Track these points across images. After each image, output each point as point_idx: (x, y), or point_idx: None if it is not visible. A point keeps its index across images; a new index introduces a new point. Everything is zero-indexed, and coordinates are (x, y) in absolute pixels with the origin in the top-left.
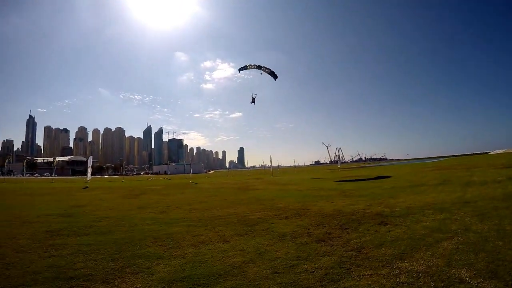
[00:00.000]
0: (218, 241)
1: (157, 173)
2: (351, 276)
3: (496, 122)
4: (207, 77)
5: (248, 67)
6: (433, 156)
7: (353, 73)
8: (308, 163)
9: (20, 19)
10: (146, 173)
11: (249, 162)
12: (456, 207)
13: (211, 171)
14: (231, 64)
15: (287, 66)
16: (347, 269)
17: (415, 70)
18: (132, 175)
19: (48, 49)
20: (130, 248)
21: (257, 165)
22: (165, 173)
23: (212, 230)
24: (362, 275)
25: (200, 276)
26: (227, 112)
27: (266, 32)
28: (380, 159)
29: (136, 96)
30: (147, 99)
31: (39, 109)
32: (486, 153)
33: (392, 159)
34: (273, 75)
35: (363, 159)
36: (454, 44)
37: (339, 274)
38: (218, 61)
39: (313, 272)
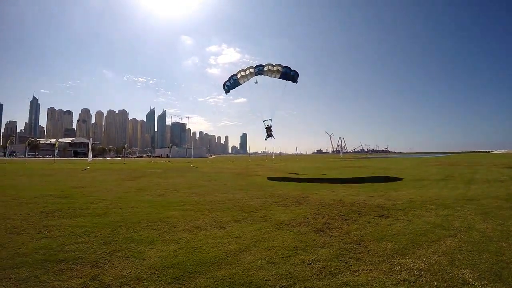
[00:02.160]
0: (214, 227)
1: (159, 156)
2: (350, 270)
3: (499, 122)
4: (212, 62)
5: (266, 71)
6: (435, 151)
7: (360, 63)
8: (309, 152)
9: None
10: (148, 156)
11: (251, 148)
12: (459, 204)
13: (213, 156)
14: (237, 49)
15: (293, 53)
16: (346, 262)
17: (422, 64)
18: (134, 157)
19: (53, 30)
20: (124, 231)
21: (259, 152)
22: (167, 156)
23: (209, 215)
24: (362, 269)
25: (192, 263)
26: (231, 97)
27: (273, 18)
28: (383, 151)
29: (140, 78)
30: (151, 82)
31: (43, 91)
32: (488, 151)
33: (395, 152)
34: (290, 78)
35: (366, 150)
36: (465, 38)
37: (337, 267)
38: (224, 45)
39: (310, 264)
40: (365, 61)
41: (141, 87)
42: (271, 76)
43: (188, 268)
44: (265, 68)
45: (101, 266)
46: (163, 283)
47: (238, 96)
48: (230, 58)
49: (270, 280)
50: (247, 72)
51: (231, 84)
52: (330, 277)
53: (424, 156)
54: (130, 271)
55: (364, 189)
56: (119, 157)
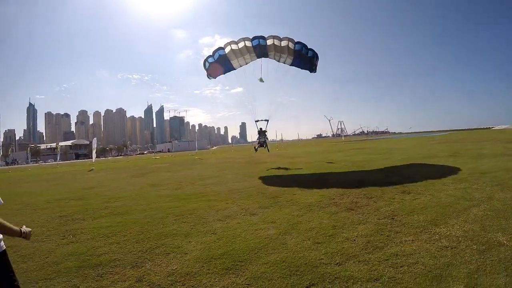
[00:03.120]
0: (244, 215)
1: (160, 152)
2: (394, 242)
3: (497, 98)
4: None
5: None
6: (436, 130)
7: (354, 44)
8: (310, 137)
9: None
10: (149, 152)
11: (251, 136)
12: (474, 177)
13: (214, 147)
14: (230, 39)
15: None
16: (387, 236)
17: (415, 43)
18: (136, 154)
19: (43, 32)
20: (153, 227)
21: None
22: (169, 151)
23: (234, 204)
24: (404, 241)
25: (238, 252)
26: (227, 88)
27: (268, 5)
28: (383, 132)
29: (134, 75)
30: (146, 78)
31: (38, 96)
32: (489, 128)
33: (395, 133)
34: (307, 63)
35: (366, 132)
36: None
37: (381, 241)
38: (217, 36)
39: (355, 240)
40: (360, 40)
41: (136, 84)
42: (279, 61)
43: (236, 257)
44: (269, 43)
45: (142, 266)
46: (217, 275)
47: (235, 86)
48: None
49: (323, 259)
50: (241, 46)
51: (218, 62)
52: (378, 250)
53: (426, 136)
54: (176, 267)
55: (377, 169)
56: (121, 155)
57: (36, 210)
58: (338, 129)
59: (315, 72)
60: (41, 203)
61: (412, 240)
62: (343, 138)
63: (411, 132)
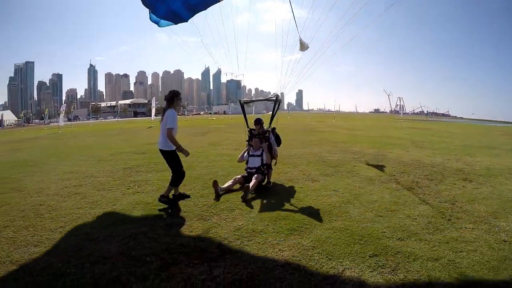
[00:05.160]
0: (306, 180)
1: (216, 113)
2: (454, 227)
3: None
4: (265, 18)
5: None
6: (500, 120)
7: (420, 17)
8: (367, 110)
9: None
10: (205, 113)
11: (307, 105)
12: None
13: (270, 112)
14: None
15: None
16: (448, 220)
17: (494, 23)
18: (192, 115)
19: None
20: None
21: (315, 108)
22: (224, 113)
23: (296, 169)
24: (464, 227)
25: (304, 215)
26: (285, 54)
27: None
28: (443, 114)
29: (191, 38)
30: (203, 41)
31: (98, 58)
32: None
33: (455, 117)
34: None
35: (425, 112)
36: None
37: (442, 224)
38: (279, 3)
39: (416, 219)
40: (429, 12)
41: (193, 47)
42: None
43: (300, 220)
44: None
45: (209, 219)
46: (282, 234)
47: (294, 52)
48: (283, 13)
49: (386, 232)
50: None
51: None
52: (439, 232)
53: (489, 124)
54: (241, 223)
55: (438, 151)
56: (178, 115)
57: (100, 161)
58: (397, 105)
59: None
60: (105, 156)
61: (472, 228)
62: (401, 115)
63: (473, 119)
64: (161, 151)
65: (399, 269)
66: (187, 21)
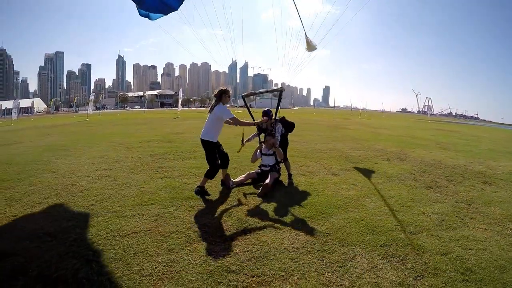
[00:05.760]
0: (327, 173)
1: (242, 106)
2: (467, 226)
3: None
4: (292, 13)
5: None
6: None
7: (454, 17)
8: (394, 110)
9: None
10: (231, 106)
11: (333, 101)
12: None
13: (296, 107)
14: None
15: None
16: (462, 219)
17: None
18: None
19: None
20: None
21: (342, 105)
22: (250, 106)
23: (317, 162)
24: (477, 227)
25: (320, 205)
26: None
27: None
28: (472, 117)
29: (218, 31)
30: (230, 34)
31: (126, 49)
32: None
33: (485, 120)
34: None
35: (454, 114)
36: None
37: (455, 222)
38: None
39: (430, 216)
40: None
41: (221, 39)
42: None
43: (318, 208)
44: None
45: (231, 204)
46: (300, 221)
47: (321, 48)
48: (311, 8)
49: (398, 225)
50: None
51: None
52: (451, 229)
53: None
54: (261, 209)
55: (461, 153)
56: (203, 107)
57: (129, 148)
58: (425, 106)
59: None
60: (133, 143)
61: (485, 228)
62: (428, 116)
63: (502, 123)
64: (202, 140)
65: (408, 259)
66: (176, 10)
